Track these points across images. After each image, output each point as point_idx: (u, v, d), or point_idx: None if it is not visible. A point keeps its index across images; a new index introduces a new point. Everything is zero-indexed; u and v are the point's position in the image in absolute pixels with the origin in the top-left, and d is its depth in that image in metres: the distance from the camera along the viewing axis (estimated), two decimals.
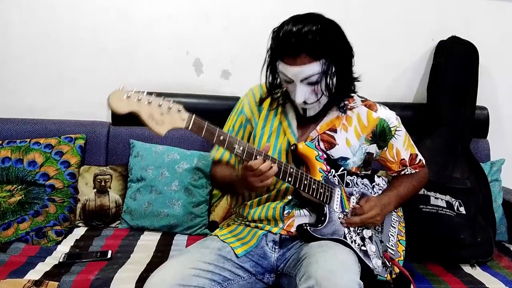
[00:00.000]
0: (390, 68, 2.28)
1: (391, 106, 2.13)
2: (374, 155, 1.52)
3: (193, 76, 2.20)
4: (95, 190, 1.94)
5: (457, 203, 1.89)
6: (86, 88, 2.15)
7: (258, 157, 1.26)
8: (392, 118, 1.50)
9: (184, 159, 1.93)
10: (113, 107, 1.10)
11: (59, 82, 2.14)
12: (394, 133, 1.50)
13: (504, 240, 1.99)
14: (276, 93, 1.47)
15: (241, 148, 1.25)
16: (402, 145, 1.53)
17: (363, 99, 1.52)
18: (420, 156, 1.59)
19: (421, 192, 1.88)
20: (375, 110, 1.50)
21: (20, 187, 1.85)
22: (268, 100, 1.50)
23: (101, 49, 2.13)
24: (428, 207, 1.84)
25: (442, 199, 1.87)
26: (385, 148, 1.52)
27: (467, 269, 1.71)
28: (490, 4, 2.25)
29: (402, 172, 1.57)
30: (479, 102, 2.16)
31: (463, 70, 2.12)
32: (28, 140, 1.94)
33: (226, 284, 1.33)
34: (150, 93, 1.14)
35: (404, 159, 1.55)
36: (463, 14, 2.25)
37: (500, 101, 2.33)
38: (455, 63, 2.12)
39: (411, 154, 1.56)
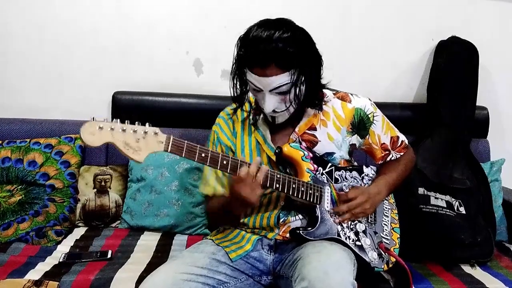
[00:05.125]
0: (390, 68, 2.28)
1: (391, 106, 2.18)
2: (357, 145, 1.51)
3: (193, 76, 2.20)
4: (95, 190, 1.94)
5: (457, 203, 1.89)
6: (86, 88, 2.15)
7: (243, 166, 1.24)
8: (367, 105, 1.48)
9: (184, 159, 1.92)
10: (86, 141, 1.06)
11: (59, 82, 2.14)
12: (373, 119, 1.48)
13: (504, 240, 1.99)
14: (244, 103, 1.44)
15: (224, 162, 1.23)
16: (381, 130, 1.51)
17: (334, 91, 1.50)
18: (402, 138, 1.56)
19: (421, 192, 1.88)
20: (349, 101, 1.47)
21: (20, 187, 1.84)
22: (240, 123, 1.49)
23: (101, 49, 2.13)
24: (428, 207, 1.84)
25: (442, 199, 1.87)
26: (367, 136, 1.50)
27: (467, 269, 1.71)
28: (490, 4, 2.25)
29: (388, 158, 1.55)
30: (479, 102, 2.15)
31: (463, 70, 2.12)
32: (28, 140, 1.94)
33: (221, 287, 1.33)
34: (123, 121, 1.11)
35: (384, 143, 1.52)
36: (463, 14, 2.25)
37: (500, 101, 2.33)
38: (455, 63, 2.12)
39: (391, 137, 1.53)
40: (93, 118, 1.09)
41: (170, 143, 1.16)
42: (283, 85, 1.29)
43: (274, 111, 1.34)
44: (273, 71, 1.27)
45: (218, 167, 1.23)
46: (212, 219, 1.62)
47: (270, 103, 1.32)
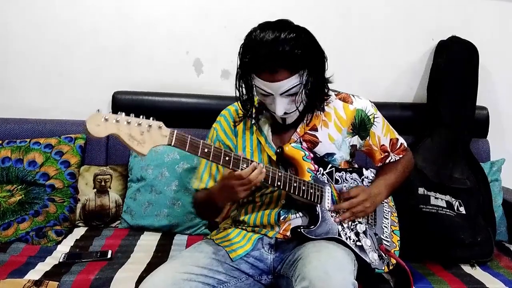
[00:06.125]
0: (390, 68, 2.28)
1: (391, 106, 2.18)
2: (358, 146, 1.52)
3: (193, 76, 2.20)
4: (95, 190, 1.94)
5: (457, 203, 1.89)
6: (86, 88, 2.15)
7: (245, 165, 1.25)
8: (368, 106, 1.49)
9: (184, 159, 1.93)
10: (91, 132, 1.06)
11: (59, 82, 2.14)
12: (373, 121, 1.49)
13: (504, 240, 1.99)
14: (250, 109, 1.45)
15: (226, 158, 1.24)
16: (381, 131, 1.51)
17: (336, 92, 1.51)
18: (401, 140, 1.57)
19: (421, 192, 1.88)
20: (351, 102, 1.48)
21: (20, 187, 1.84)
22: (241, 123, 1.49)
23: (101, 49, 2.13)
24: (428, 207, 1.84)
25: (442, 199, 1.87)
26: (368, 138, 1.51)
27: (467, 269, 1.71)
28: (490, 4, 2.25)
29: (387, 160, 1.55)
30: (479, 102, 2.15)
31: (463, 70, 2.12)
32: (28, 140, 1.94)
33: (221, 286, 1.33)
34: (128, 114, 1.11)
35: (384, 145, 1.53)
36: (463, 14, 2.25)
37: (500, 101, 2.33)
38: (455, 63, 2.12)
39: (391, 139, 1.54)
40: (99, 110, 1.09)
41: (174, 137, 1.16)
42: (294, 87, 1.30)
43: (285, 112, 1.35)
44: (283, 75, 1.27)
45: (221, 163, 1.23)
46: (197, 210, 1.62)
47: (281, 106, 1.32)
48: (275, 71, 1.27)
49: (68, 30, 2.10)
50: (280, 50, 1.24)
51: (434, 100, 2.12)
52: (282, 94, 1.30)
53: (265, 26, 1.29)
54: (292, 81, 1.28)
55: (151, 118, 1.15)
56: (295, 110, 1.35)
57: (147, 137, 1.12)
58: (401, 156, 1.57)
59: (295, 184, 1.34)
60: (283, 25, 1.29)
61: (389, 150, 1.54)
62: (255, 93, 1.39)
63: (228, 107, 1.54)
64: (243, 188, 1.26)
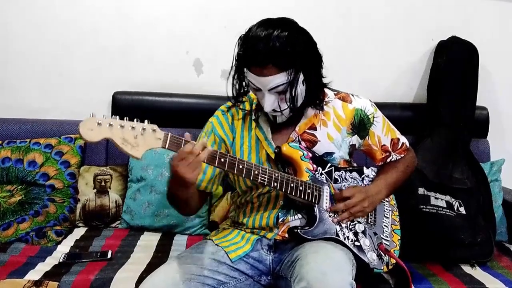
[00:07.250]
0: (390, 68, 2.28)
1: (391, 106, 2.18)
2: (357, 145, 1.51)
3: (193, 76, 2.20)
4: (95, 190, 1.94)
5: (457, 203, 1.89)
6: (86, 88, 2.15)
7: (241, 166, 1.23)
8: (368, 106, 1.48)
9: None
10: (84, 137, 1.07)
11: (59, 82, 2.14)
12: (373, 120, 1.48)
13: (504, 240, 1.99)
14: (243, 101, 1.45)
15: (222, 160, 1.23)
16: (381, 131, 1.50)
17: (335, 92, 1.50)
18: (402, 139, 1.56)
19: (421, 192, 1.88)
20: (350, 101, 1.48)
21: (20, 187, 1.84)
22: (240, 119, 1.48)
23: (101, 49, 2.13)
24: (428, 207, 1.84)
25: (442, 199, 1.87)
26: (367, 137, 1.50)
27: (467, 269, 1.71)
28: (490, 4, 2.25)
29: (388, 160, 1.54)
30: (479, 102, 2.16)
31: (463, 70, 2.12)
32: (28, 140, 1.94)
33: (221, 287, 1.33)
34: (122, 118, 1.11)
35: (385, 144, 1.52)
36: (463, 14, 2.25)
37: (500, 101, 2.33)
38: (455, 63, 2.12)
39: (392, 139, 1.53)
40: (92, 114, 1.09)
41: (168, 139, 1.16)
42: (281, 85, 1.29)
43: (273, 110, 1.34)
44: (271, 70, 1.27)
45: (216, 165, 1.22)
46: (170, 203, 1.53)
47: (269, 102, 1.32)
48: (264, 66, 1.26)
49: (68, 30, 2.11)
50: (269, 46, 1.24)
51: (434, 100, 2.12)
52: (270, 90, 1.30)
53: (263, 23, 1.30)
54: (280, 78, 1.28)
55: (146, 121, 1.14)
56: (284, 109, 1.35)
57: (141, 140, 1.12)
58: (402, 155, 1.56)
59: (292, 185, 1.33)
60: (281, 23, 1.29)
61: (390, 150, 1.54)
62: (249, 88, 1.39)
63: (227, 103, 1.53)
64: (188, 167, 1.17)
